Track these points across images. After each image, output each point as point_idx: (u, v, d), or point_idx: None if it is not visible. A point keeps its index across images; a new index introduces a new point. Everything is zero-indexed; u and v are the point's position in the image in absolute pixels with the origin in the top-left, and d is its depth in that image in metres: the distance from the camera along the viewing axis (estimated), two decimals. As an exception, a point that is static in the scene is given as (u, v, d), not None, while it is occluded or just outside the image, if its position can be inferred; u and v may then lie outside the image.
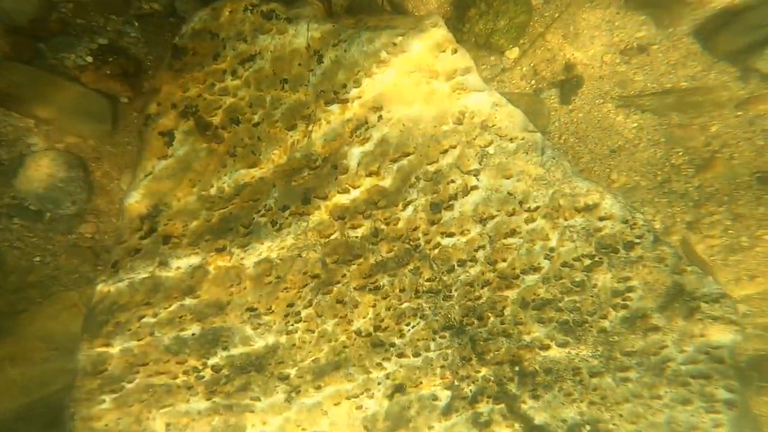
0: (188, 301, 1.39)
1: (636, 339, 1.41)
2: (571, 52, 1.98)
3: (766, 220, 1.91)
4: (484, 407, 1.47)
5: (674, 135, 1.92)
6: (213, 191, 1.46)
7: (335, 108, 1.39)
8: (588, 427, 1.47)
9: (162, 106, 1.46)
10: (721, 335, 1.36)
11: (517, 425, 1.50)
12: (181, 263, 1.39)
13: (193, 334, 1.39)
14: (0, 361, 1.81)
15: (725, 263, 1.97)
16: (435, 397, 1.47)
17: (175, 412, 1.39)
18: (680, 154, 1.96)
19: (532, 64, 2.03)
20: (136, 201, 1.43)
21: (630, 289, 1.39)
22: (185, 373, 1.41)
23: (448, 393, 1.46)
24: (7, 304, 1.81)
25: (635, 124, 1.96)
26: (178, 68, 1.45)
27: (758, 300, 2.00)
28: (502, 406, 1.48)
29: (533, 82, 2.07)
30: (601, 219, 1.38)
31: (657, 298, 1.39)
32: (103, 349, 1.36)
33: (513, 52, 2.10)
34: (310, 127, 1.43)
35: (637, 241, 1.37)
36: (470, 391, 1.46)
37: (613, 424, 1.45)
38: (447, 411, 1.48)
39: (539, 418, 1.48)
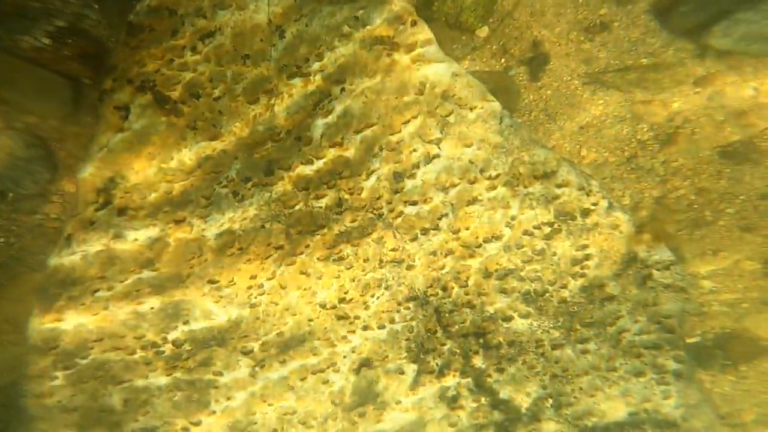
0: (146, 273, 1.42)
1: (594, 309, 1.52)
2: (538, 30, 2.11)
3: (728, 194, 2.08)
4: (450, 381, 1.55)
5: (638, 111, 2.06)
6: (173, 164, 1.50)
7: (298, 81, 1.45)
8: (551, 401, 1.58)
9: (117, 82, 1.49)
10: (671, 304, 1.48)
11: (483, 399, 1.59)
12: (138, 235, 1.42)
13: (151, 308, 1.43)
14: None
15: (691, 238, 2.12)
16: (401, 371, 1.54)
17: (133, 388, 1.42)
18: (645, 130, 2.10)
19: (501, 43, 2.15)
20: (89, 174, 1.45)
21: (587, 257, 1.50)
22: (143, 348, 1.44)
23: (415, 366, 1.54)
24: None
25: (601, 101, 2.10)
26: (134, 45, 1.49)
27: (723, 275, 2.15)
28: (469, 380, 1.57)
29: (503, 60, 2.19)
30: (558, 186, 1.49)
31: (612, 265, 1.50)
32: (55, 324, 1.38)
33: (483, 31, 2.22)
34: (272, 101, 1.49)
35: (593, 207, 1.48)
36: (437, 364, 1.54)
37: (574, 398, 1.56)
38: (414, 385, 1.55)
39: (504, 392, 1.57)
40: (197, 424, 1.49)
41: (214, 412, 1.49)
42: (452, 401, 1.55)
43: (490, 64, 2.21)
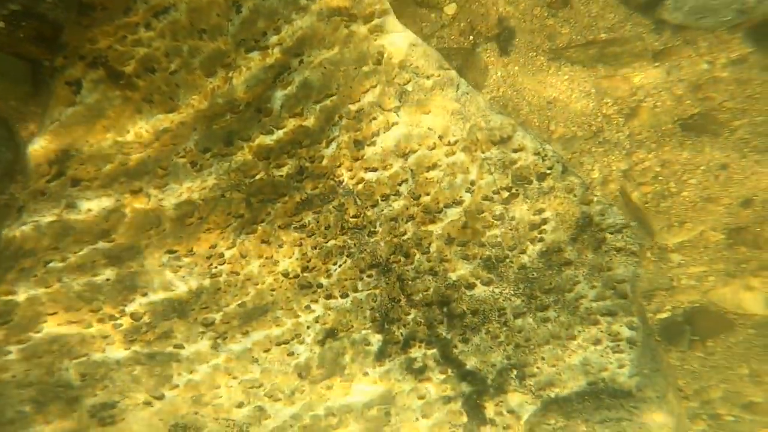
0: (102, 244, 1.48)
1: (552, 275, 1.64)
2: (503, 7, 2.26)
3: (690, 164, 2.27)
4: (417, 352, 1.66)
5: (602, 86, 2.24)
6: (130, 137, 1.58)
7: (256, 55, 1.55)
8: (515, 372, 1.70)
9: (68, 59, 1.56)
10: (623, 268, 1.61)
11: (450, 371, 1.71)
12: (92, 205, 1.49)
13: (107, 280, 1.49)
14: None
15: (658, 210, 2.30)
16: (367, 342, 1.64)
17: (91, 363, 1.48)
18: (610, 104, 2.28)
19: (469, 20, 2.30)
20: (41, 146, 1.51)
21: (544, 221, 1.63)
22: (100, 321, 1.49)
23: (380, 337, 1.64)
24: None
25: (566, 76, 2.26)
26: (86, 24, 1.56)
27: (690, 248, 2.33)
28: (435, 350, 1.68)
29: (471, 37, 2.34)
30: (515, 151, 1.62)
31: (568, 229, 1.64)
32: (8, 297, 1.43)
33: (451, 8, 2.37)
34: (230, 74, 1.58)
35: (548, 171, 1.62)
36: (401, 334, 1.65)
37: (537, 368, 1.69)
38: (380, 356, 1.65)
39: (470, 363, 1.69)
40: (160, 398, 1.55)
41: (177, 386, 1.55)
42: (419, 373, 1.66)
43: (458, 41, 2.36)
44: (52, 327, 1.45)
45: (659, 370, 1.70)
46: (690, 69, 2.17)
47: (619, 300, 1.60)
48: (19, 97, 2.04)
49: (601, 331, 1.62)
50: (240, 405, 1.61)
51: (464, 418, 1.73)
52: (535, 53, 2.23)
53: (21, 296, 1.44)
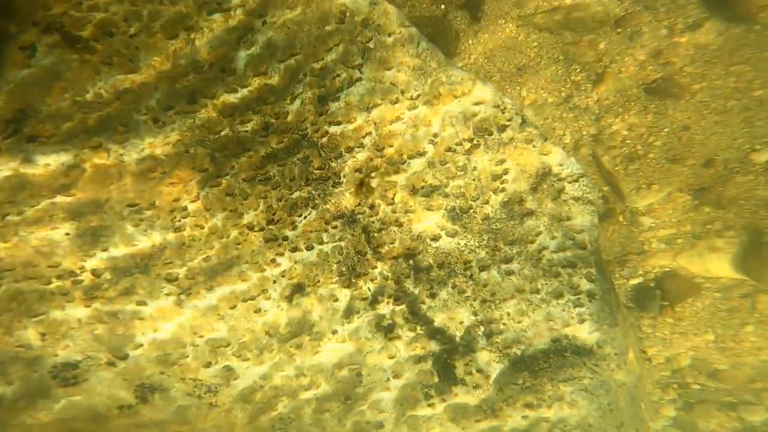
0: (60, 198, 1.54)
1: (515, 225, 1.77)
2: (470, -25, 2.44)
3: (655, 127, 2.46)
4: (385, 308, 1.76)
5: (569, 52, 2.42)
6: (89, 97, 1.65)
7: (218, 17, 1.64)
8: (482, 329, 1.82)
9: (21, 25, 1.63)
10: (581, 217, 1.75)
11: (419, 328, 1.81)
12: (50, 160, 1.54)
13: (66, 234, 1.55)
14: None
15: (627, 172, 2.48)
16: (335, 298, 1.74)
17: (50, 321, 1.53)
18: (578, 70, 2.46)
19: (438, -12, 2.47)
20: None
21: (506, 171, 1.76)
22: (59, 277, 1.55)
23: (348, 292, 1.74)
24: None
25: (535, 43, 2.44)
26: None
27: (659, 210, 2.51)
28: (403, 307, 1.79)
29: (442, 5, 2.50)
30: (475, 104, 1.76)
31: (528, 179, 1.78)
32: None
33: (420, -23, 2.53)
34: (193, 36, 1.68)
35: (508, 123, 1.76)
36: (369, 289, 1.75)
37: (503, 324, 1.81)
38: (348, 313, 1.75)
39: (438, 320, 1.80)
40: (123, 358, 1.61)
41: (141, 345, 1.61)
42: (389, 331, 1.76)
43: (429, 10, 2.52)
44: (9, 283, 1.50)
45: (618, 326, 1.83)
46: (650, 34, 2.37)
47: (579, 251, 1.74)
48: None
49: (563, 284, 1.75)
50: (207, 365, 1.68)
51: (435, 378, 1.83)
52: (504, 20, 2.40)
53: (-24, 251, 1.49)
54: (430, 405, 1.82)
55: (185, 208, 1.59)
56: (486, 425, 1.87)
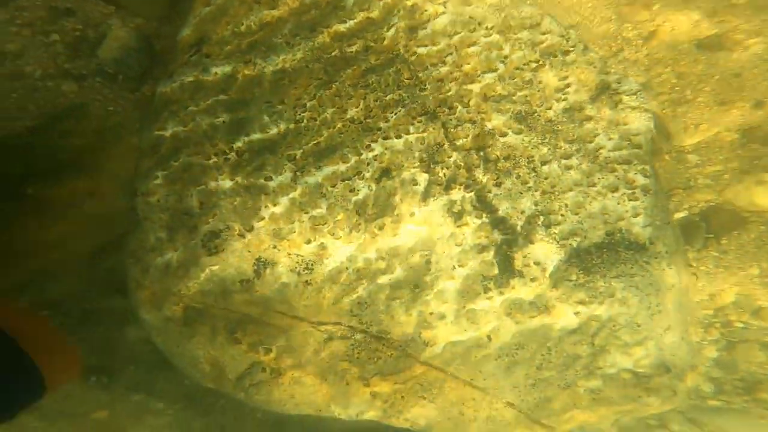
0: (221, 96, 1.91)
1: (575, 128, 1.84)
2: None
3: (705, 75, 2.29)
4: (456, 194, 1.82)
5: (623, 12, 2.36)
6: (243, 29, 1.99)
7: None
8: (542, 219, 1.79)
9: None
10: (638, 122, 1.78)
11: (485, 216, 1.84)
12: (218, 71, 1.94)
13: (223, 122, 1.87)
14: (80, 196, 2.26)
15: (674, 115, 2.33)
16: (415, 182, 1.83)
17: (207, 191, 1.80)
18: (630, 28, 2.39)
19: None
20: (186, 35, 2.00)
21: (568, 86, 1.83)
22: (215, 155, 1.83)
23: (426, 176, 1.83)
24: (89, 144, 2.32)
25: (590, 4, 2.42)
26: None
27: (705, 149, 2.33)
28: (472, 194, 1.84)
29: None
30: (543, 33, 1.85)
31: (588, 92, 1.80)
32: (160, 132, 1.86)
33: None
34: None
35: (571, 49, 1.83)
36: (444, 176, 1.83)
37: (561, 215, 1.78)
38: (425, 196, 1.83)
39: (502, 209, 1.82)
40: (250, 230, 1.81)
41: (263, 218, 1.81)
42: (458, 217, 1.80)
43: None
44: (185, 157, 1.81)
45: (669, 223, 1.73)
46: (706, -4, 2.25)
47: (635, 150, 1.70)
48: (158, 18, 2.60)
49: (618, 178, 1.73)
50: (308, 241, 1.83)
51: (495, 270, 1.82)
52: (558, -18, 2.42)
53: (168, 132, 1.84)
54: (489, 298, 1.81)
55: (304, 105, 1.84)
56: (538, 322, 1.81)
